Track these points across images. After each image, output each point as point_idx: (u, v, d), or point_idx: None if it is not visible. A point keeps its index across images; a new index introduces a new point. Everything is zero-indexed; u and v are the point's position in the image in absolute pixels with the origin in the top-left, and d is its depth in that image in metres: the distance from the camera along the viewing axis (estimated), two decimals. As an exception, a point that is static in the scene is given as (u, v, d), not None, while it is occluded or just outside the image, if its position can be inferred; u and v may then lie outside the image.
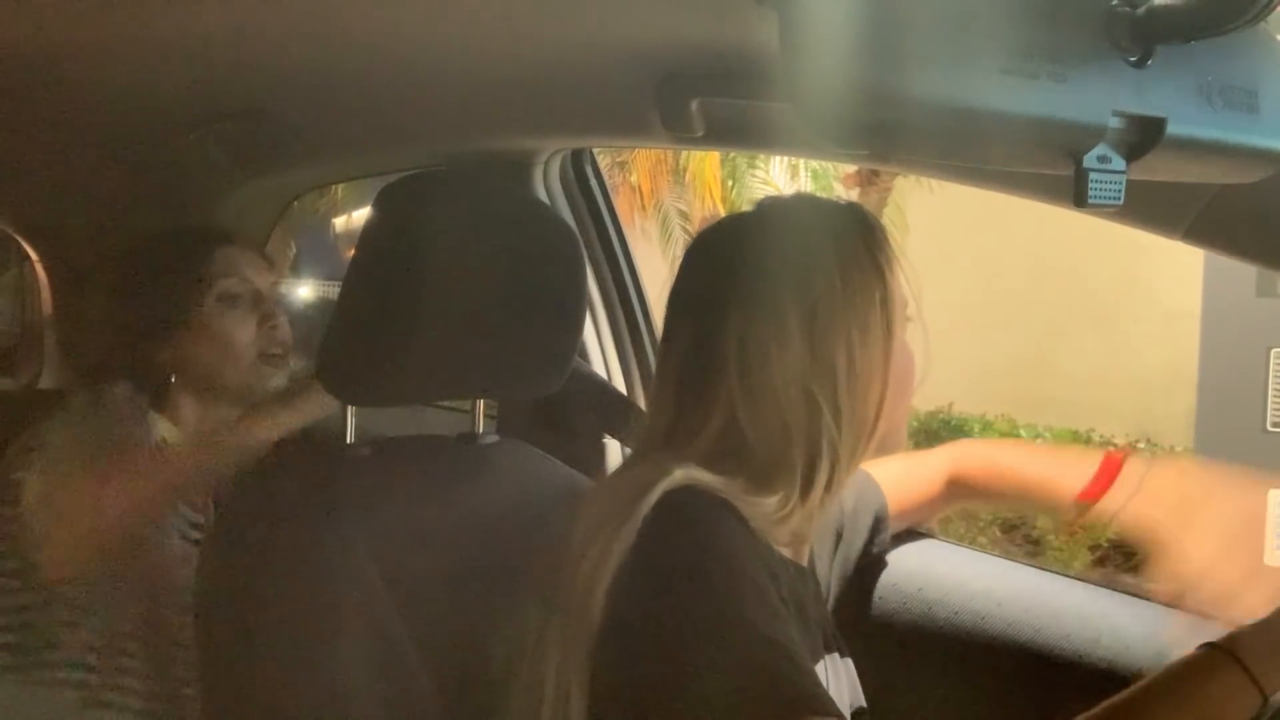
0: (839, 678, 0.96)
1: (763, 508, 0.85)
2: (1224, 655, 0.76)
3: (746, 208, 0.97)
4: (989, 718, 1.17)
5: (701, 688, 0.73)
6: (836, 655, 0.97)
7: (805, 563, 0.98)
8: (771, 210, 0.93)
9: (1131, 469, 1.05)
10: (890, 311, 0.87)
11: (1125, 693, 0.77)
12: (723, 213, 7.61)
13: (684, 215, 7.91)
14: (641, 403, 1.58)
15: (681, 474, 0.82)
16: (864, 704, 0.99)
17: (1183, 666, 0.77)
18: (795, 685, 0.73)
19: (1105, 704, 0.76)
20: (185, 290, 1.34)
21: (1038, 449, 1.20)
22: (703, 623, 0.75)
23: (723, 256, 0.91)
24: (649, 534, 0.79)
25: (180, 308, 1.34)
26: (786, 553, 0.93)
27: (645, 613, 0.77)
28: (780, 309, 0.84)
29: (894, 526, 1.23)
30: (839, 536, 1.14)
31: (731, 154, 7.17)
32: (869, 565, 1.21)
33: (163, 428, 1.31)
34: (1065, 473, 1.09)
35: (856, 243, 0.87)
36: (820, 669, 0.90)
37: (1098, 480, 1.05)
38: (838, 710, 0.73)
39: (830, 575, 1.11)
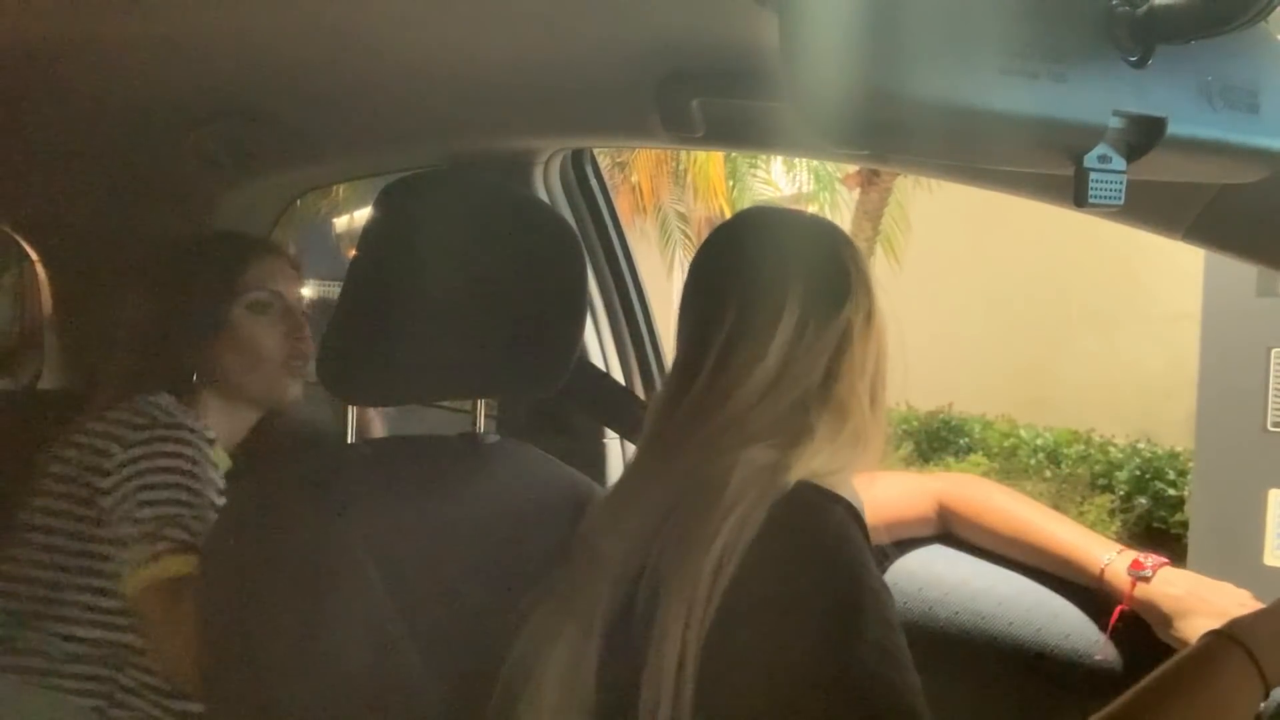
0: None
1: (853, 474, 0.89)
2: (1231, 643, 0.76)
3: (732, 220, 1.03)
4: (990, 718, 1.17)
5: (808, 680, 0.74)
6: None
7: None
8: (769, 215, 1.01)
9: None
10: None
11: (1137, 687, 0.77)
12: (728, 213, 7.64)
13: (683, 217, 7.92)
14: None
15: (801, 466, 0.84)
16: None
17: (1191, 657, 0.78)
18: (897, 693, 0.73)
19: (1119, 700, 0.77)
20: (218, 297, 1.36)
21: (1039, 507, 1.20)
22: (823, 622, 0.76)
23: (762, 246, 0.97)
24: (778, 530, 0.80)
25: (212, 314, 1.36)
26: None
27: (764, 604, 0.78)
28: (858, 289, 0.93)
29: (877, 539, 1.23)
30: None
31: (731, 154, 7.17)
32: None
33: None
34: (1074, 548, 1.12)
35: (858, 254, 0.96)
36: None
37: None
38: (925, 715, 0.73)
39: None
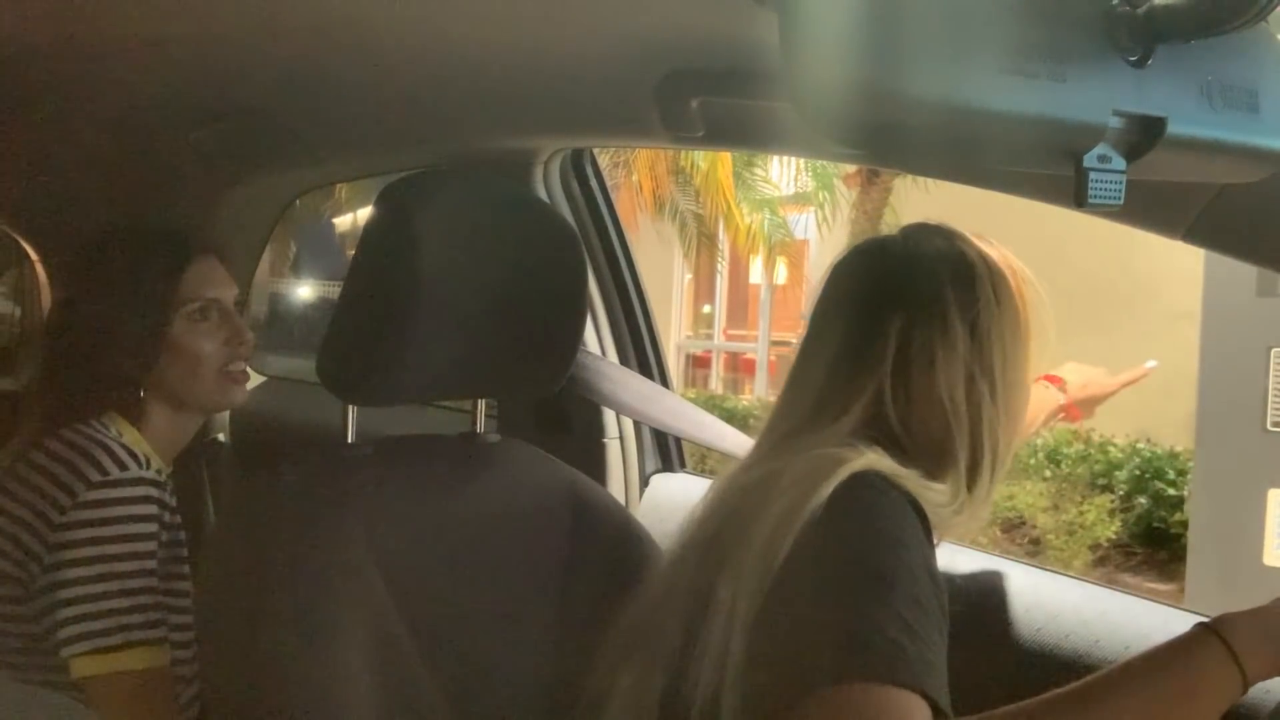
0: None
1: (936, 495, 0.88)
2: (1212, 635, 0.78)
3: (889, 232, 1.03)
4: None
5: (823, 636, 0.75)
6: None
7: None
8: (920, 235, 0.99)
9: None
10: (1029, 333, 0.97)
11: (1111, 667, 0.79)
12: (735, 213, 7.64)
13: (699, 218, 7.94)
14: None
15: (873, 458, 0.85)
16: None
17: (1169, 645, 0.80)
18: (905, 661, 0.72)
19: (1095, 674, 0.79)
20: (155, 307, 1.34)
21: None
22: (849, 585, 0.77)
23: (881, 269, 0.98)
24: (835, 502, 0.81)
25: (150, 323, 1.33)
26: None
27: (807, 567, 0.79)
28: (946, 317, 0.92)
29: None
30: None
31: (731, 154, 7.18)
32: None
33: (130, 437, 1.31)
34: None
35: (1003, 271, 0.97)
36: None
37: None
38: (939, 699, 0.72)
39: None
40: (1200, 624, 0.79)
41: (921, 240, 0.98)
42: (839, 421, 0.91)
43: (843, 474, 0.82)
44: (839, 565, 0.79)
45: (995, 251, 0.98)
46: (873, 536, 0.80)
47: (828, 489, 0.81)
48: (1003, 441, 0.93)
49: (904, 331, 0.92)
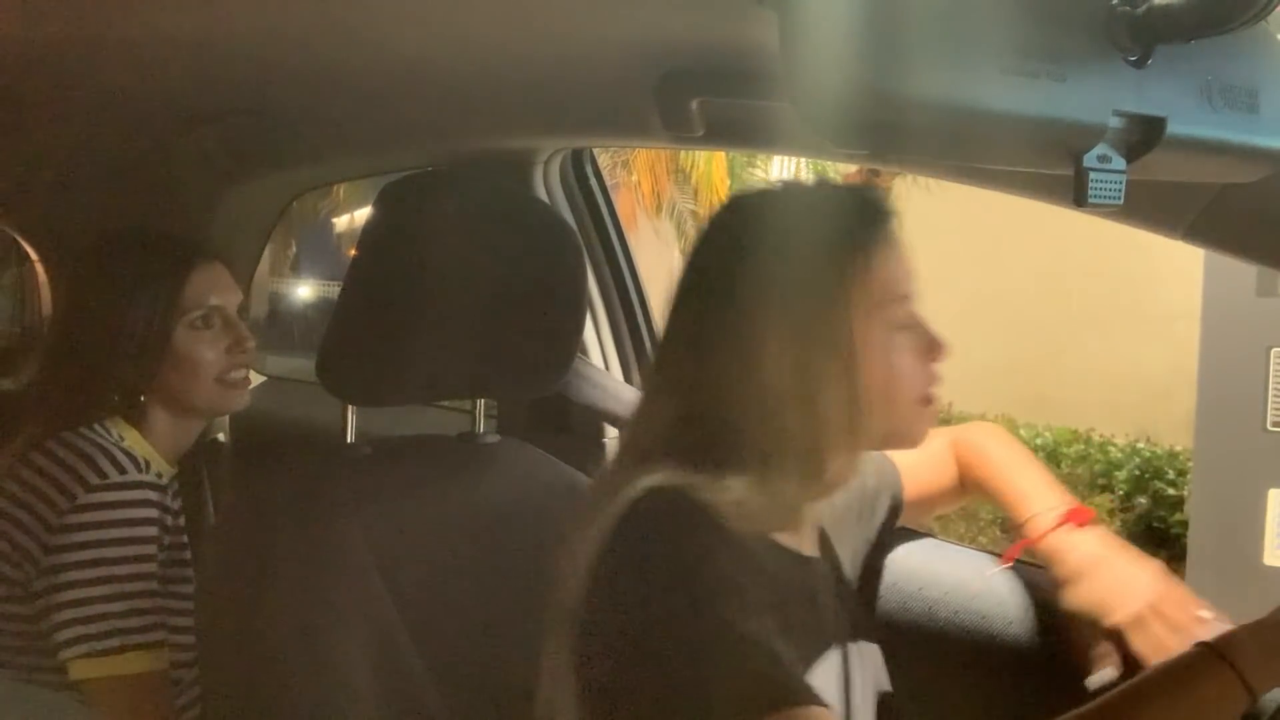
0: (862, 664, 0.94)
1: (737, 493, 0.82)
2: (1214, 655, 0.77)
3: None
4: (989, 717, 1.17)
5: (678, 692, 0.73)
6: (861, 641, 0.95)
7: (812, 550, 0.95)
8: (763, 199, 0.93)
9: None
10: (884, 294, 0.86)
11: (1116, 690, 0.78)
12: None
13: (697, 216, 7.96)
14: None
15: (650, 479, 0.81)
16: (889, 688, 0.98)
17: (1173, 665, 0.79)
18: (773, 680, 0.72)
19: (1096, 701, 0.77)
20: (158, 314, 1.34)
21: (1030, 462, 1.16)
22: (676, 628, 0.75)
23: (705, 247, 0.92)
24: (619, 541, 0.79)
25: (152, 330, 1.33)
26: (786, 540, 0.90)
27: (620, 618, 0.77)
28: (744, 295, 0.84)
29: (911, 514, 1.19)
30: (860, 519, 1.11)
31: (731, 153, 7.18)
32: (880, 551, 1.18)
33: (131, 440, 1.31)
34: (1034, 496, 1.11)
35: (844, 224, 0.86)
36: (837, 656, 0.90)
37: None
38: (820, 699, 0.73)
39: (852, 560, 1.09)
40: (1203, 646, 0.78)
41: (758, 208, 0.90)
42: (645, 426, 0.88)
43: (621, 508, 0.79)
44: (657, 611, 0.76)
45: (859, 205, 0.87)
46: (683, 569, 0.77)
47: (609, 523, 0.79)
48: (842, 423, 0.83)
49: (708, 314, 0.86)
